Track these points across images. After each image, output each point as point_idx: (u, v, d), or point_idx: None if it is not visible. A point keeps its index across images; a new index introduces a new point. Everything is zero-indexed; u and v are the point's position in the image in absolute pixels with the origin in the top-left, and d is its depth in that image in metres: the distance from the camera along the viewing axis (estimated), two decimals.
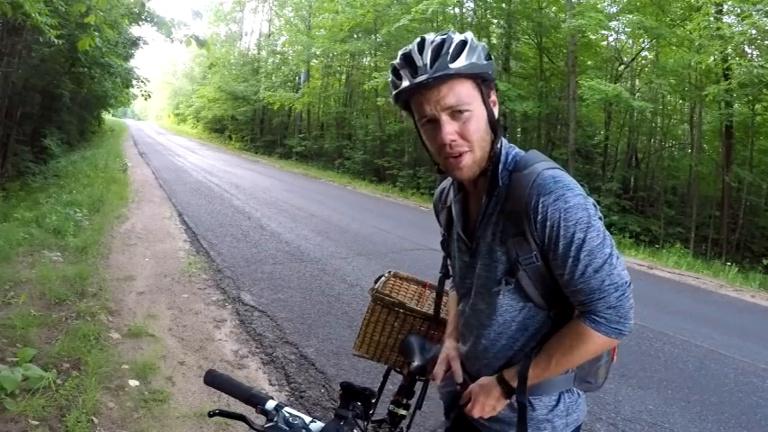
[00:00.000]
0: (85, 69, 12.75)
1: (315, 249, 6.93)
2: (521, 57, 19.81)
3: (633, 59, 17.96)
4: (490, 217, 1.14)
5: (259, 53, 35.81)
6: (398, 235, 8.59)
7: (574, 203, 1.02)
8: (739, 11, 12.20)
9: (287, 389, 3.22)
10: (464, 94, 1.05)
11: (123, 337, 3.62)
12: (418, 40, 1.08)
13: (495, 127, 1.10)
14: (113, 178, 11.48)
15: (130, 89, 19.10)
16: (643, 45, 17.50)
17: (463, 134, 1.06)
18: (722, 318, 6.49)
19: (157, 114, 79.92)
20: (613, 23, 16.65)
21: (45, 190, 9.69)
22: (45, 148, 12.62)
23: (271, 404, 1.09)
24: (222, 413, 1.10)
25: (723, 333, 5.46)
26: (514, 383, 1.14)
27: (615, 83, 15.13)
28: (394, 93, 1.10)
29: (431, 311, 1.73)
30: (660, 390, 3.81)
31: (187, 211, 8.86)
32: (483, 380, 1.19)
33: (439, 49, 1.04)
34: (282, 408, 1.08)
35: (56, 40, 6.96)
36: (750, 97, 13.42)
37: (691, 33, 13.21)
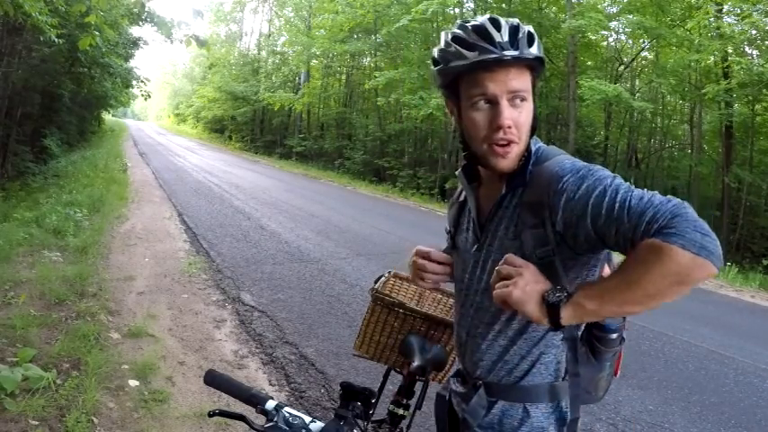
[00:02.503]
0: (85, 69, 12.78)
1: (315, 249, 6.93)
2: None
3: (633, 60, 17.97)
4: (506, 210, 1.08)
5: (259, 53, 35.83)
6: (398, 235, 8.59)
7: (595, 169, 0.97)
8: (739, 11, 12.20)
9: (287, 389, 3.22)
10: (526, 81, 1.03)
11: (123, 337, 3.62)
12: (487, 17, 1.03)
13: (536, 123, 1.07)
14: (113, 178, 11.48)
15: (130, 89, 19.14)
16: (643, 45, 17.52)
17: (517, 123, 1.02)
18: (722, 318, 6.49)
19: (157, 114, 79.92)
20: (613, 24, 16.67)
21: (45, 190, 9.70)
22: (45, 148, 12.63)
23: (271, 404, 1.09)
24: (222, 413, 1.10)
25: (723, 333, 5.46)
26: (580, 290, 0.93)
27: (615, 83, 15.14)
28: (457, 63, 1.02)
29: (431, 311, 1.73)
30: (660, 390, 3.81)
31: (187, 212, 8.86)
32: (532, 269, 0.97)
33: (516, 31, 1.01)
34: (282, 408, 1.08)
35: (56, 40, 6.96)
36: (750, 97, 13.42)
37: (690, 33, 13.21)
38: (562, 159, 1.03)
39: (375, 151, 22.56)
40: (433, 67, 1.08)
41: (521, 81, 1.01)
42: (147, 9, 13.35)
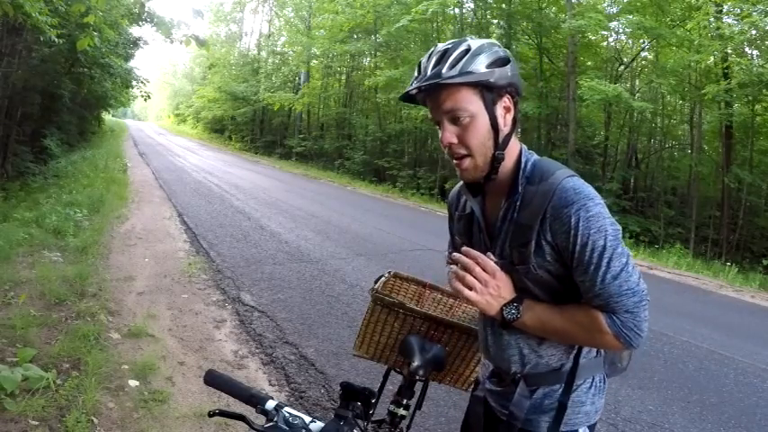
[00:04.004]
0: (85, 70, 12.78)
1: (315, 250, 6.93)
2: (521, 57, 19.82)
3: (633, 60, 17.97)
4: (509, 223, 1.16)
5: (259, 53, 35.82)
6: (398, 235, 8.59)
7: (595, 212, 1.05)
8: (739, 11, 12.20)
9: (287, 389, 3.22)
10: (462, 100, 1.07)
11: (123, 337, 3.62)
12: (429, 52, 1.12)
13: (508, 134, 1.13)
14: (113, 178, 11.48)
15: (130, 89, 19.12)
16: (643, 45, 17.51)
17: (462, 139, 1.10)
18: (722, 318, 6.48)
19: (157, 115, 79.88)
20: (613, 24, 16.67)
21: (45, 190, 9.69)
22: (45, 148, 12.61)
23: (271, 404, 1.09)
24: (222, 413, 1.10)
25: (723, 333, 5.46)
26: (528, 302, 1.14)
27: (615, 83, 15.13)
28: (411, 90, 1.13)
29: (431, 312, 1.73)
30: (660, 390, 3.81)
31: (187, 212, 8.86)
32: (502, 276, 1.14)
33: (441, 57, 1.08)
34: (282, 408, 1.08)
35: (56, 40, 6.95)
36: (750, 97, 13.42)
37: (690, 33, 13.21)
38: (561, 179, 1.09)
39: (375, 151, 22.56)
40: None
41: (452, 101, 1.07)
42: (146, 9, 13.37)
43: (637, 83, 18.50)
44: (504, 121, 1.12)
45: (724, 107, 13.66)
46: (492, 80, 1.07)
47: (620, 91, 13.75)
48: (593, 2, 17.10)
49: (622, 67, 17.98)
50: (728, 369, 4.41)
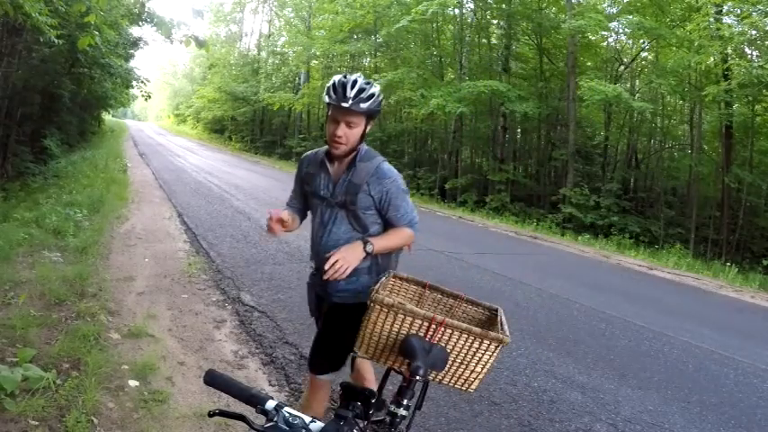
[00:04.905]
0: (85, 70, 12.77)
1: None
2: (521, 57, 19.82)
3: (633, 60, 17.98)
4: (346, 181, 2.00)
5: (259, 54, 35.84)
6: None
7: (399, 183, 2.03)
8: (739, 11, 12.21)
9: (287, 389, 3.22)
10: (357, 119, 1.91)
11: (123, 337, 3.62)
12: (350, 80, 1.86)
13: (363, 137, 1.98)
14: (113, 179, 11.47)
15: (130, 90, 19.13)
16: (643, 46, 17.52)
17: (347, 135, 1.92)
18: (722, 318, 6.49)
19: (157, 115, 79.85)
20: (613, 24, 16.68)
21: (45, 190, 9.69)
22: (45, 148, 12.60)
23: (271, 404, 1.09)
24: (222, 413, 1.10)
25: (723, 334, 5.46)
26: (372, 240, 1.96)
27: (615, 83, 15.14)
28: (333, 99, 1.87)
29: (431, 312, 1.73)
30: (660, 390, 3.81)
31: (187, 212, 8.86)
32: (348, 245, 1.93)
33: (360, 92, 1.85)
34: (282, 408, 1.08)
35: (56, 40, 6.95)
36: (750, 98, 13.43)
37: (690, 34, 13.22)
38: (380, 161, 2.03)
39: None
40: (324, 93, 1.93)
41: (353, 117, 1.90)
42: (146, 9, 13.38)
43: (637, 83, 18.51)
44: (366, 130, 1.97)
45: (724, 107, 13.67)
46: (375, 113, 1.96)
47: (620, 91, 13.76)
48: (593, 2, 17.12)
49: (622, 67, 17.99)
50: (728, 369, 4.41)
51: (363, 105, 1.85)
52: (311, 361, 2.17)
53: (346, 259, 1.86)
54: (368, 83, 1.87)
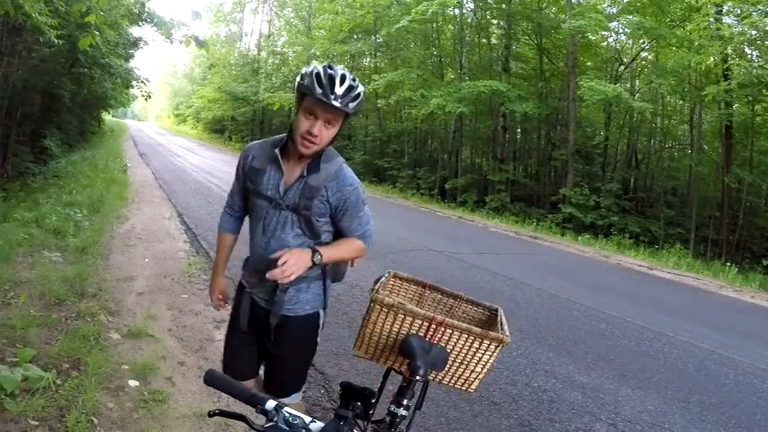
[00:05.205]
0: (85, 70, 12.76)
1: None
2: (521, 57, 19.81)
3: (633, 60, 17.97)
4: (303, 184, 1.75)
5: (259, 54, 35.81)
6: (398, 236, 8.59)
7: (360, 191, 1.82)
8: (739, 11, 12.20)
9: None
10: (338, 119, 1.70)
11: (123, 337, 3.62)
12: (339, 74, 1.62)
13: (335, 139, 1.76)
14: (113, 179, 11.47)
15: (130, 90, 19.11)
16: (643, 46, 17.51)
17: (321, 134, 1.68)
18: (722, 318, 6.49)
19: (157, 115, 79.80)
20: (613, 24, 16.67)
21: (45, 190, 9.68)
22: (45, 148, 12.60)
23: (270, 404, 1.09)
24: (222, 413, 1.10)
25: (723, 334, 5.46)
26: (321, 250, 1.75)
27: (615, 83, 15.13)
28: (318, 93, 1.60)
29: (431, 312, 1.73)
30: (660, 390, 3.81)
31: (187, 212, 8.86)
32: (296, 250, 1.71)
33: (349, 91, 1.63)
34: (282, 408, 1.08)
35: (56, 41, 6.95)
36: (750, 98, 13.43)
37: (690, 34, 13.22)
38: (340, 163, 1.80)
39: (375, 152, 22.56)
40: (298, 79, 1.67)
41: (335, 116, 1.68)
42: (146, 9, 13.38)
43: (637, 83, 18.50)
44: (339, 131, 1.75)
45: (724, 107, 13.67)
46: (354, 114, 1.71)
47: (620, 91, 13.75)
48: (593, 2, 17.10)
49: (622, 67, 17.98)
50: (728, 369, 4.41)
51: (352, 105, 1.64)
52: (276, 386, 1.90)
53: (294, 264, 1.66)
54: (354, 80, 1.66)
